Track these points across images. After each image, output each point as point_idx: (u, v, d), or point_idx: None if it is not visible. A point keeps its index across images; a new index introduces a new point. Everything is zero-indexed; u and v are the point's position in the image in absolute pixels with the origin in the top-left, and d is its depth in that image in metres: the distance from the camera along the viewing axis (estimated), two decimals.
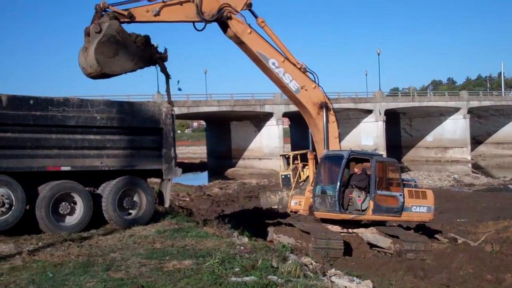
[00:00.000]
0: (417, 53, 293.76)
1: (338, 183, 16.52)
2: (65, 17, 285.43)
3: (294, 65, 17.96)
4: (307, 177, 27.66)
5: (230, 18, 16.70)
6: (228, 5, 16.60)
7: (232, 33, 16.99)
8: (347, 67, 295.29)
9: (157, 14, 15.20)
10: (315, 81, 18.36)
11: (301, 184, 30.61)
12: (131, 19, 14.74)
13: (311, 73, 18.38)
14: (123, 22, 14.60)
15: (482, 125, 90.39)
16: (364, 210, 16.86)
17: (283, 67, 17.72)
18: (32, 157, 11.64)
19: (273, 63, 17.59)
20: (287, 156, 36.47)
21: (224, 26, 17.06)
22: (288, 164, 36.46)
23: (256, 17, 17.57)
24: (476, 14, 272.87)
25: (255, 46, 17.36)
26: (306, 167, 32.67)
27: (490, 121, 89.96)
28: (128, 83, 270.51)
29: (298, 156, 35.38)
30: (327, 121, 18.31)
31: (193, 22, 16.42)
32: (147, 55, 14.41)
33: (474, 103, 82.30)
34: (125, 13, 14.50)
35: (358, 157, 17.68)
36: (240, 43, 17.38)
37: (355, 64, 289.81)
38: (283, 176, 33.83)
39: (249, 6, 17.23)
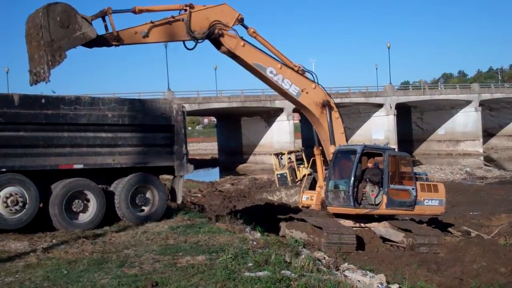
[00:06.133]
0: (427, 46, 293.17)
1: (352, 178, 16.48)
2: None
3: (292, 69, 17.75)
4: (304, 176, 27.39)
5: (222, 35, 16.31)
6: (219, 21, 16.20)
7: (226, 49, 16.65)
8: (357, 61, 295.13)
9: (146, 35, 14.86)
10: (314, 81, 18.23)
11: (298, 183, 30.18)
12: (119, 42, 14.47)
13: (309, 72, 18.26)
14: (111, 45, 14.47)
15: (494, 118, 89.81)
16: (377, 204, 16.82)
17: (281, 74, 17.45)
18: (45, 156, 11.72)
19: (271, 71, 17.30)
20: (280, 155, 35.81)
21: (217, 43, 16.71)
22: (281, 163, 35.37)
23: (246, 28, 17.11)
24: (487, 7, 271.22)
25: (250, 58, 17.04)
26: (302, 166, 32.42)
27: (502, 113, 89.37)
28: (139, 80, 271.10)
29: (293, 154, 34.75)
30: (331, 119, 18.16)
31: (184, 41, 16.06)
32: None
33: (486, 96, 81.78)
34: (114, 34, 14.24)
35: (371, 152, 17.62)
36: (235, 57, 17.08)
37: (365, 58, 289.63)
38: (279, 175, 33.14)
39: (240, 21, 16.79)
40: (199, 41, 16.09)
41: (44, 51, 12.75)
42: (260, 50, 17.32)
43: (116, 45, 14.58)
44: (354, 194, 16.54)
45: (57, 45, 12.84)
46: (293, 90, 17.74)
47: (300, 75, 17.87)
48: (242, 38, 16.89)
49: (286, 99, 19.61)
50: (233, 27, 16.67)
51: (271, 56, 17.53)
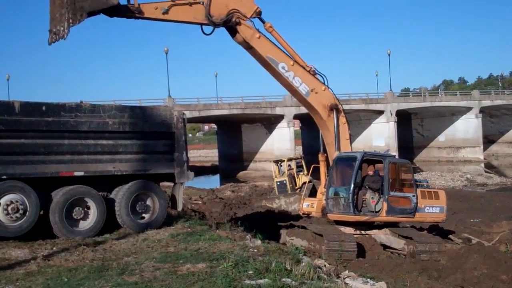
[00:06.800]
0: (428, 53, 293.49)
1: (352, 185, 16.47)
2: None
3: (304, 68, 17.93)
4: (303, 183, 27.23)
5: (239, 23, 16.72)
6: (237, 10, 16.62)
7: (241, 38, 17.01)
8: (358, 68, 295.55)
9: (166, 12, 15.39)
10: (324, 83, 18.35)
11: (297, 191, 29.99)
12: (140, 14, 14.99)
13: (320, 75, 18.38)
14: (131, 17, 14.96)
15: (495, 124, 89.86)
16: (377, 212, 16.80)
17: (292, 71, 17.68)
18: (45, 163, 11.72)
19: (283, 67, 17.56)
20: (279, 162, 35.53)
21: (233, 31, 17.08)
22: (280, 170, 34.97)
23: (263, 22, 17.48)
24: (487, 14, 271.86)
25: (264, 50, 17.34)
26: (301, 173, 32.28)
27: (503, 120, 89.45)
28: (139, 87, 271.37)
29: (293, 162, 34.46)
30: (338, 123, 18.26)
31: (201, 24, 16.46)
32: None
33: (486, 102, 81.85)
34: (136, 6, 14.82)
35: (371, 159, 17.62)
36: (249, 48, 17.39)
37: (365, 65, 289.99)
38: (278, 183, 32.76)
39: (258, 14, 17.20)
40: (217, 26, 16.51)
41: (66, 9, 13.30)
42: (275, 45, 17.60)
43: (136, 18, 15.09)
44: (354, 201, 16.53)
45: (80, 5, 13.37)
46: (303, 88, 17.94)
47: (311, 75, 18.10)
48: (258, 30, 17.21)
49: (295, 98, 19.88)
50: (251, 19, 17.07)
51: (285, 53, 17.76)
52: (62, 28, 13.42)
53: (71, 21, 13.40)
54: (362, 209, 16.90)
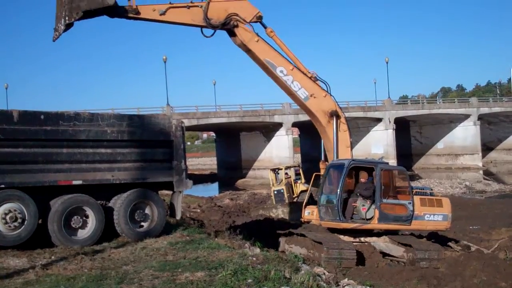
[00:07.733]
0: (426, 61, 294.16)
1: (338, 192, 16.45)
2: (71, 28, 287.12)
3: (304, 73, 17.93)
4: (301, 191, 27.03)
5: (236, 26, 16.88)
6: (236, 15, 16.80)
7: (239, 41, 17.18)
8: (356, 75, 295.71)
9: (163, 14, 15.78)
10: (326, 90, 18.31)
11: (295, 199, 29.76)
12: (137, 15, 15.42)
13: (322, 82, 18.36)
14: (128, 18, 15.41)
15: (493, 132, 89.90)
16: (369, 219, 16.70)
17: (291, 75, 17.71)
18: (44, 172, 11.72)
19: (281, 71, 17.63)
20: (276, 170, 35.08)
21: (232, 34, 17.25)
22: (277, 179, 34.40)
23: (265, 27, 17.63)
24: (484, 21, 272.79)
25: (262, 54, 17.45)
26: (299, 181, 32.08)
27: (501, 127, 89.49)
28: (138, 96, 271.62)
29: (292, 169, 34.08)
30: (337, 130, 18.19)
31: (200, 27, 16.71)
32: None
33: (484, 110, 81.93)
34: (133, 7, 15.27)
35: (367, 166, 17.54)
36: (248, 51, 17.53)
37: (363, 72, 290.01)
38: (275, 192, 32.39)
39: (259, 18, 17.35)
40: (215, 29, 16.81)
41: (64, 7, 14.22)
42: (274, 49, 17.72)
43: (133, 19, 15.63)
44: (342, 208, 16.49)
45: (76, 4, 14.23)
46: (301, 93, 17.96)
47: (311, 81, 18.08)
48: (257, 34, 17.36)
49: (295, 103, 19.80)
50: (252, 24, 17.27)
51: (284, 57, 17.86)
52: (60, 25, 14.35)
53: (67, 18, 14.21)
54: (354, 217, 16.83)
